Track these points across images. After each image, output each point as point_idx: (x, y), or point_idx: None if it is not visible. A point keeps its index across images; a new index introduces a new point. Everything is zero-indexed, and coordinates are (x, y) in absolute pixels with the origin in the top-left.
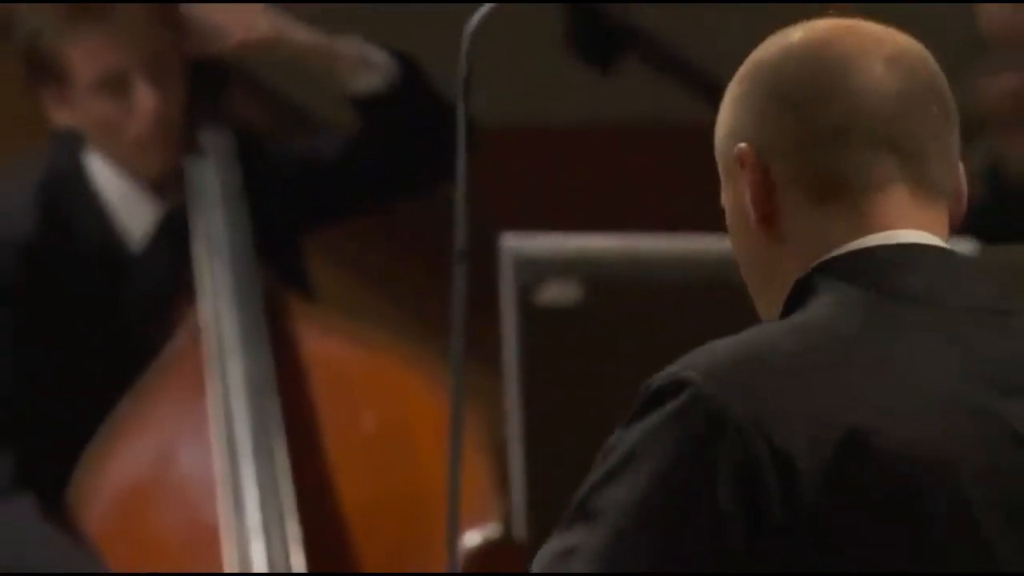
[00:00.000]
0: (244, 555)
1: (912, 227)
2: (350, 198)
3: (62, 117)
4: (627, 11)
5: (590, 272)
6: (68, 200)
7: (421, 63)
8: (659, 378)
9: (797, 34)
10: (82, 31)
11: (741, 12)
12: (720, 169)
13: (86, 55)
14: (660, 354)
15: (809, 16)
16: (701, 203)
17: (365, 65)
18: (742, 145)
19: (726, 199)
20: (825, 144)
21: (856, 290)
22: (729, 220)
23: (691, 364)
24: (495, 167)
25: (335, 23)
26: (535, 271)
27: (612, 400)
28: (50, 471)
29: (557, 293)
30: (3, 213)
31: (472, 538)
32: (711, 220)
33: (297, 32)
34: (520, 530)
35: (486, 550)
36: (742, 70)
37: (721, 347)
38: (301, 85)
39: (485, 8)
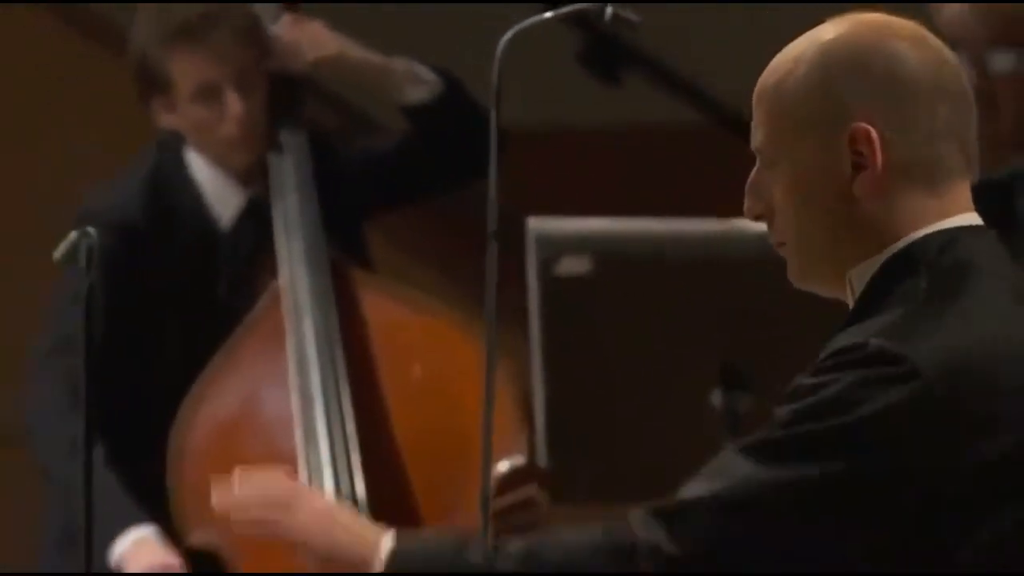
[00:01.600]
0: (315, 481)
1: (968, 210)
2: (402, 188)
3: (167, 121)
4: (634, 31)
5: (600, 248)
6: (171, 189)
7: (461, 78)
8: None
9: (898, 27)
10: (182, 50)
11: (730, 27)
12: (789, 126)
13: (186, 70)
14: (658, 318)
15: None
16: (694, 190)
17: (415, 80)
18: (862, 125)
19: (800, 158)
20: (933, 137)
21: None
22: (800, 183)
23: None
24: (522, 162)
25: (391, 41)
26: (554, 248)
27: (616, 354)
28: (154, 417)
29: (572, 266)
30: (118, 200)
31: (503, 466)
32: (704, 205)
33: (359, 52)
34: (542, 459)
35: (514, 475)
36: (835, 46)
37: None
38: (362, 95)
39: (512, 30)
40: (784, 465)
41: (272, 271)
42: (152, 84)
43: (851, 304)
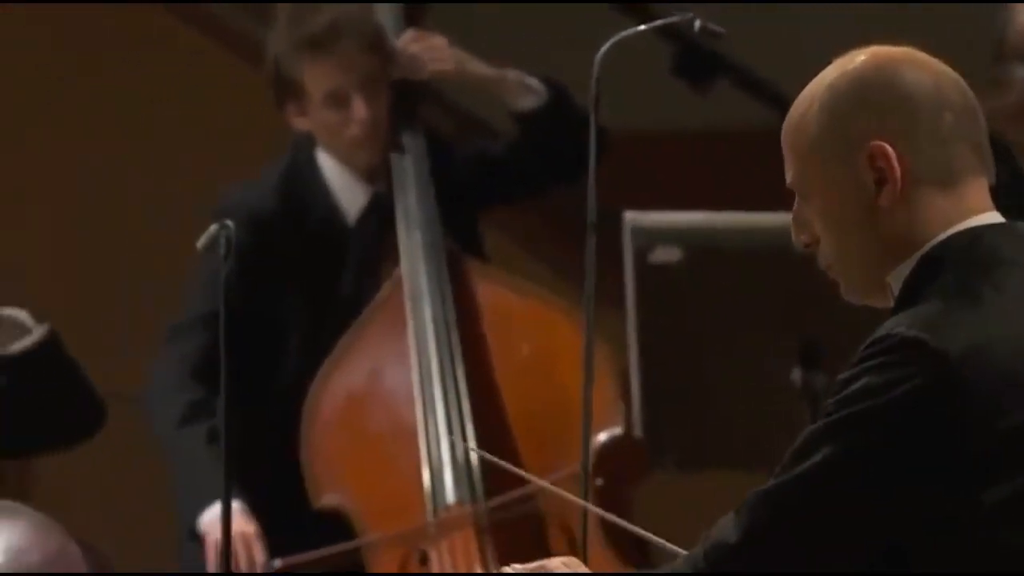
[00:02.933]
0: (434, 449)
1: (989, 208)
2: (512, 186)
3: (299, 124)
4: (720, 41)
5: (690, 239)
6: (303, 186)
7: (566, 86)
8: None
9: (893, 53)
10: (314, 59)
11: (802, 38)
12: (815, 160)
13: (317, 77)
14: (743, 301)
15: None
16: (775, 186)
17: (525, 89)
18: (878, 142)
19: (830, 189)
20: (943, 143)
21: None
22: (832, 208)
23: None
24: (620, 162)
25: (502, 53)
26: (648, 238)
27: (705, 334)
28: (287, 392)
29: (665, 255)
30: (255, 196)
31: (601, 437)
32: (784, 199)
33: (474, 64)
34: (637, 431)
35: (611, 445)
36: (841, 82)
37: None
38: (476, 101)
39: (610, 42)
40: (828, 451)
41: (394, 261)
42: (286, 90)
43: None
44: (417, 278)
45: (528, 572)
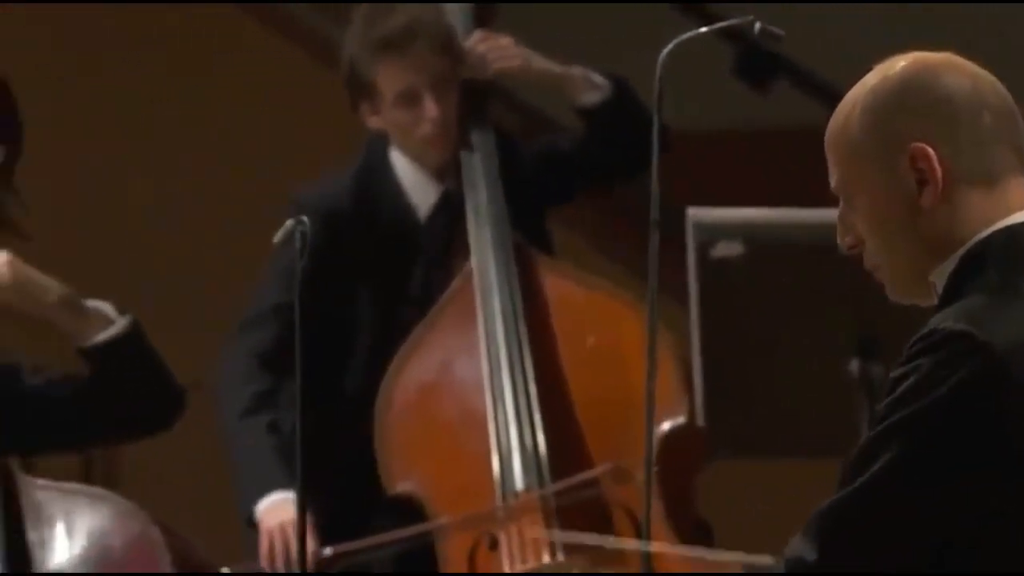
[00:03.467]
0: (503, 437)
1: None
2: (578, 181)
3: (373, 123)
4: (779, 43)
5: (751, 234)
6: (376, 183)
7: (629, 82)
8: None
9: (932, 58)
10: (387, 60)
11: (866, 36)
12: (857, 163)
13: (389, 77)
14: (802, 294)
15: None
16: (829, 184)
17: (589, 85)
18: (919, 144)
19: (874, 191)
20: (983, 143)
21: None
22: (876, 209)
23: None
24: (682, 159)
25: (568, 50)
26: (710, 233)
27: (765, 326)
28: (358, 385)
29: (726, 249)
30: (330, 192)
31: (665, 426)
32: (836, 197)
33: (540, 62)
34: (700, 420)
35: (674, 434)
36: (883, 86)
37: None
38: (542, 98)
39: (672, 43)
40: (887, 457)
41: (464, 256)
42: (360, 90)
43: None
44: (487, 272)
45: None
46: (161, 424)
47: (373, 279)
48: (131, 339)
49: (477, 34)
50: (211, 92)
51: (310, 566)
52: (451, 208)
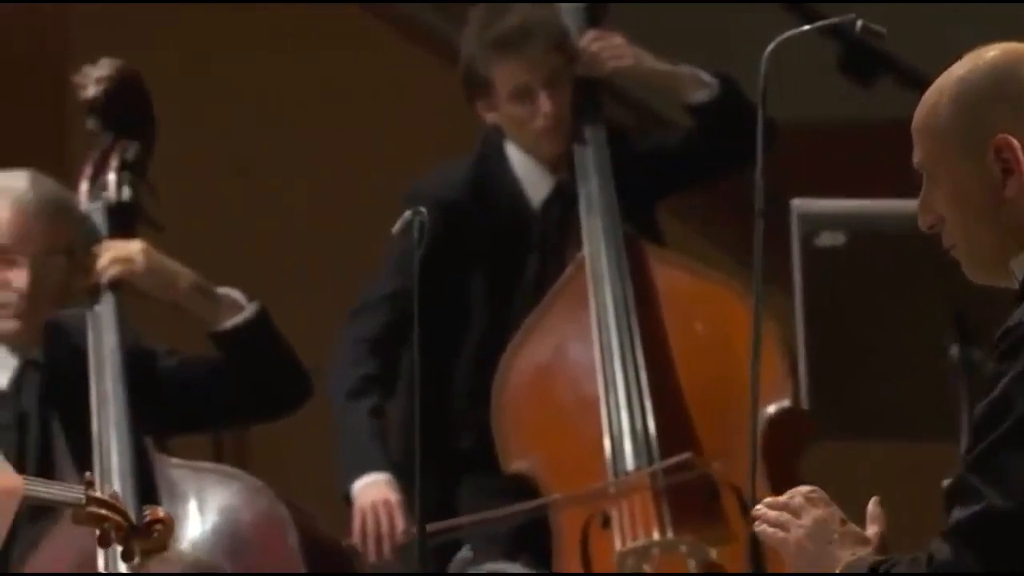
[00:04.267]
0: (614, 420)
1: None
2: (686, 174)
3: (489, 118)
4: (880, 40)
5: (853, 224)
6: (491, 175)
7: (736, 81)
8: None
9: (1020, 49)
10: (503, 57)
11: (967, 32)
12: (942, 149)
13: (505, 74)
14: (903, 281)
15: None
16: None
17: (698, 83)
18: (1004, 135)
19: (958, 176)
20: None
21: None
22: (959, 194)
23: None
24: (787, 152)
25: (677, 49)
26: (814, 223)
27: (867, 311)
28: (472, 369)
29: (829, 239)
30: (447, 183)
31: (770, 409)
32: None
33: (651, 61)
34: (804, 403)
35: (779, 417)
36: (971, 76)
37: None
38: (652, 95)
39: (776, 40)
40: (1008, 456)
41: (576, 245)
42: (477, 86)
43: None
44: (599, 261)
45: (778, 503)
46: (288, 406)
47: (487, 268)
48: (259, 324)
49: (591, 33)
50: (333, 87)
51: (401, 544)
52: (563, 199)
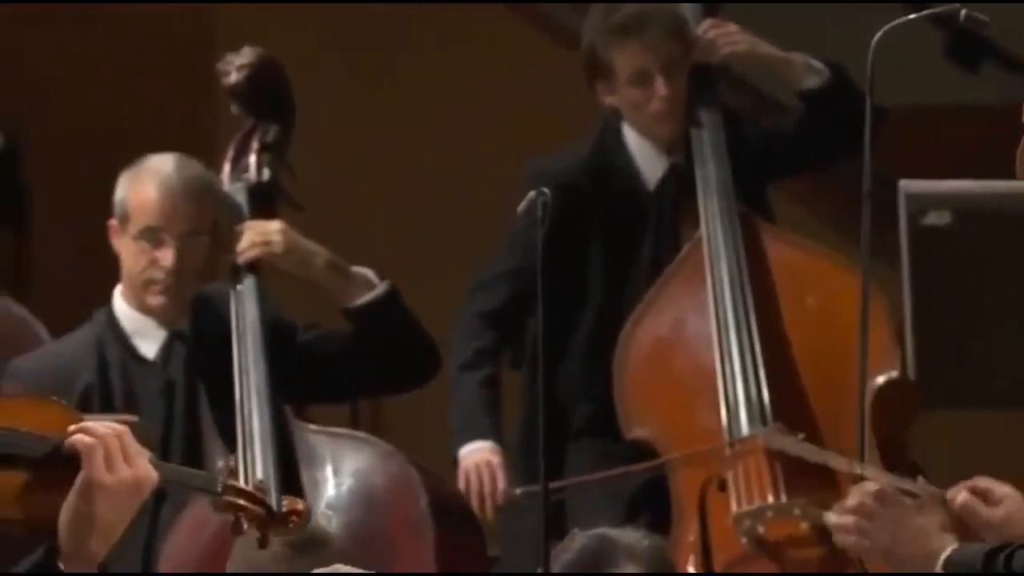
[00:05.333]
0: (730, 389)
1: None
2: (798, 157)
3: (608, 101)
4: (984, 28)
5: (959, 204)
6: (610, 155)
7: (846, 68)
8: None
9: None
10: (622, 43)
11: None
12: None
13: (624, 59)
14: (1006, 257)
15: None
16: None
17: (809, 70)
18: None
19: None
20: None
21: None
22: None
23: None
24: (895, 135)
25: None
26: (921, 203)
27: (973, 287)
28: (590, 343)
29: (936, 219)
30: (568, 164)
31: (879, 379)
32: None
33: (765, 47)
34: (912, 374)
35: (887, 387)
36: None
37: None
38: (766, 80)
39: (883, 29)
40: None
41: (690, 224)
42: (597, 70)
43: None
44: (715, 238)
45: (851, 507)
46: (416, 379)
47: (604, 245)
48: (389, 301)
49: (708, 22)
50: (460, 72)
51: (502, 503)
52: (678, 180)
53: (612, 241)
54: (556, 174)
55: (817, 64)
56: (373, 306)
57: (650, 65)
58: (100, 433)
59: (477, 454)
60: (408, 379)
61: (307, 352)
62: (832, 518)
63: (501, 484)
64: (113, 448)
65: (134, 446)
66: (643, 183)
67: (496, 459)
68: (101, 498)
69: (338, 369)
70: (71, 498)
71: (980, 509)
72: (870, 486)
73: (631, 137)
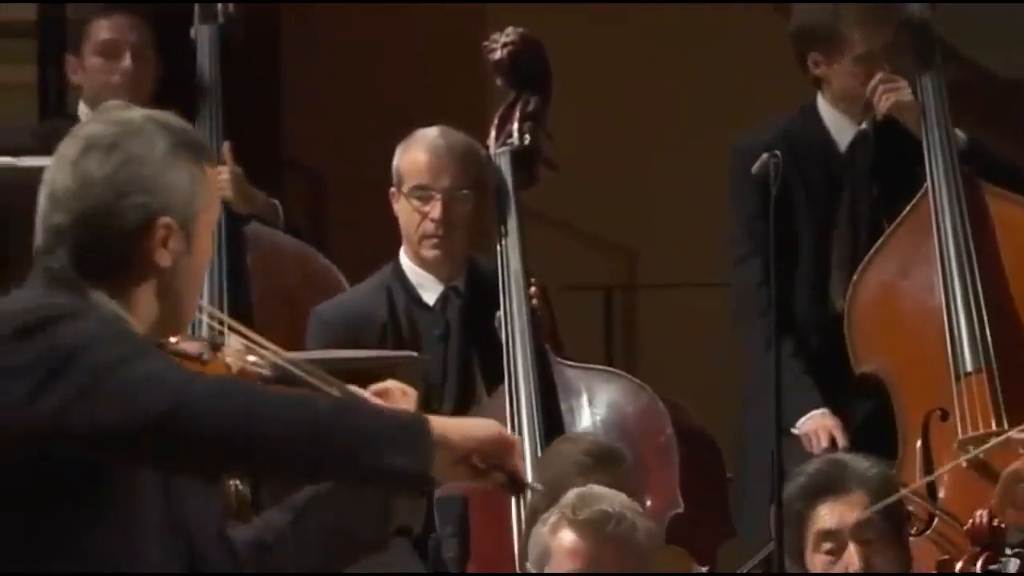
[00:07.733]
0: (955, 326)
1: None
2: None
3: (818, 72)
4: None
5: None
6: (806, 123)
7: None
8: None
9: None
10: (863, 24)
11: None
12: None
13: (864, 39)
14: None
15: None
16: None
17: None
18: None
19: None
20: None
21: None
22: None
23: None
24: None
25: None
26: None
27: None
28: (808, 292)
29: None
30: (767, 134)
31: None
32: None
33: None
34: None
35: None
36: None
37: None
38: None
39: None
40: None
41: (880, 184)
42: (824, 41)
43: None
44: (940, 194)
45: None
46: None
47: (808, 204)
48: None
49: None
50: (673, 47)
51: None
52: (864, 144)
53: (814, 201)
54: (758, 142)
55: (960, 136)
56: None
57: (880, 50)
58: None
59: (816, 421)
60: None
61: None
62: None
63: (841, 440)
64: None
65: None
66: (835, 147)
67: (829, 421)
68: None
69: None
70: None
71: None
72: None
73: (823, 107)
